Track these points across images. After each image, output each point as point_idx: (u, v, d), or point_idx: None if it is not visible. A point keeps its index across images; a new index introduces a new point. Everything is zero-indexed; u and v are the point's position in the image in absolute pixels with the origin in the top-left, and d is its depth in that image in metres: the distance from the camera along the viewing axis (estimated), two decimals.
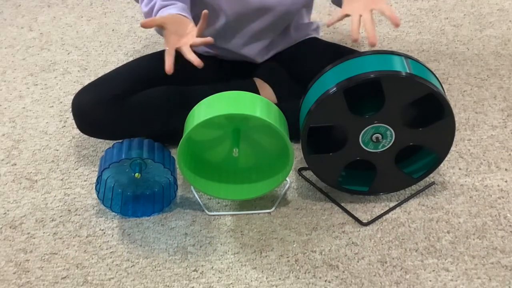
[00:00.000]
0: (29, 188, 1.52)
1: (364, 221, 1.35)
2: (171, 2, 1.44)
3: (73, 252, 1.34)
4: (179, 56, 1.64)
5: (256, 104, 1.29)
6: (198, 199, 1.44)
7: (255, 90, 1.62)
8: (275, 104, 1.37)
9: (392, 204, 1.39)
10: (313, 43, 1.68)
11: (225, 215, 1.40)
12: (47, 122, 1.75)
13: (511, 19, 2.06)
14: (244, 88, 1.41)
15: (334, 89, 1.24)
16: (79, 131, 1.62)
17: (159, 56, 1.66)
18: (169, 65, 1.29)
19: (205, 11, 1.28)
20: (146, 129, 1.52)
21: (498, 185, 1.42)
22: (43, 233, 1.39)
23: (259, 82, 1.65)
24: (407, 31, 2.05)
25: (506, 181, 1.43)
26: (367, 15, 1.19)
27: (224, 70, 1.67)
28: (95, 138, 1.64)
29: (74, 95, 1.53)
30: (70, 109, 1.77)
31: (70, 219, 1.42)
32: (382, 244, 1.30)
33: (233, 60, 1.67)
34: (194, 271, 1.27)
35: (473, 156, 1.51)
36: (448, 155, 1.43)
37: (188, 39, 1.34)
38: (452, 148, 1.49)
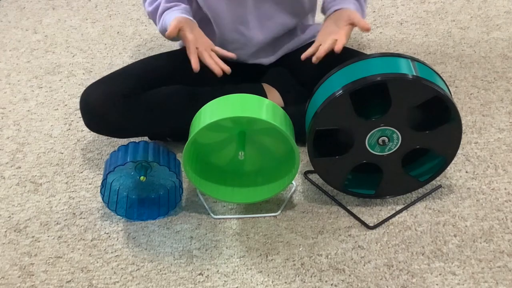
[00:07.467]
0: (33, 191, 1.52)
1: (371, 224, 1.34)
2: (174, 3, 1.50)
3: (78, 256, 1.33)
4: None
5: (262, 107, 1.29)
6: (204, 202, 1.44)
7: (263, 95, 1.61)
8: (282, 107, 1.37)
9: (398, 208, 1.38)
10: None
11: (230, 218, 1.40)
12: (51, 125, 1.75)
13: None
14: (252, 92, 1.41)
15: (340, 92, 1.23)
16: (84, 134, 1.62)
17: (169, 55, 1.67)
18: (195, 62, 1.41)
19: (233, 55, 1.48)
20: (153, 127, 1.52)
21: (505, 188, 1.41)
22: (48, 236, 1.39)
23: (266, 87, 1.64)
24: (414, 34, 2.04)
25: None
26: (328, 42, 1.40)
27: (232, 73, 1.66)
28: (100, 142, 1.64)
29: (79, 97, 1.52)
30: (75, 111, 1.78)
31: (75, 222, 1.42)
32: (388, 248, 1.29)
33: (241, 63, 1.66)
34: (199, 274, 1.27)
35: (480, 159, 1.50)
36: (455, 158, 1.42)
37: (208, 43, 1.45)
38: (459, 151, 1.48)
